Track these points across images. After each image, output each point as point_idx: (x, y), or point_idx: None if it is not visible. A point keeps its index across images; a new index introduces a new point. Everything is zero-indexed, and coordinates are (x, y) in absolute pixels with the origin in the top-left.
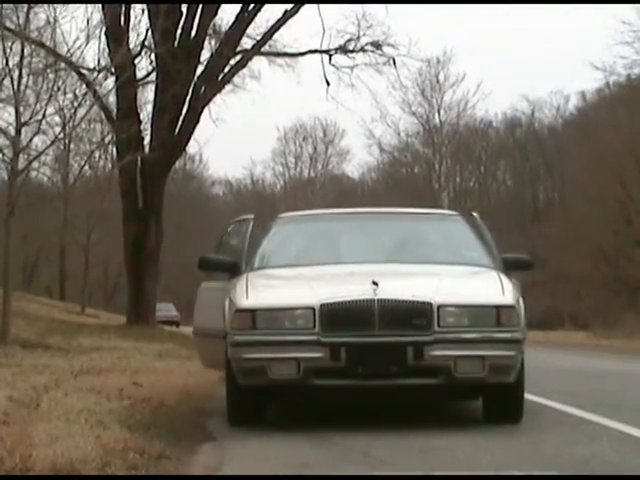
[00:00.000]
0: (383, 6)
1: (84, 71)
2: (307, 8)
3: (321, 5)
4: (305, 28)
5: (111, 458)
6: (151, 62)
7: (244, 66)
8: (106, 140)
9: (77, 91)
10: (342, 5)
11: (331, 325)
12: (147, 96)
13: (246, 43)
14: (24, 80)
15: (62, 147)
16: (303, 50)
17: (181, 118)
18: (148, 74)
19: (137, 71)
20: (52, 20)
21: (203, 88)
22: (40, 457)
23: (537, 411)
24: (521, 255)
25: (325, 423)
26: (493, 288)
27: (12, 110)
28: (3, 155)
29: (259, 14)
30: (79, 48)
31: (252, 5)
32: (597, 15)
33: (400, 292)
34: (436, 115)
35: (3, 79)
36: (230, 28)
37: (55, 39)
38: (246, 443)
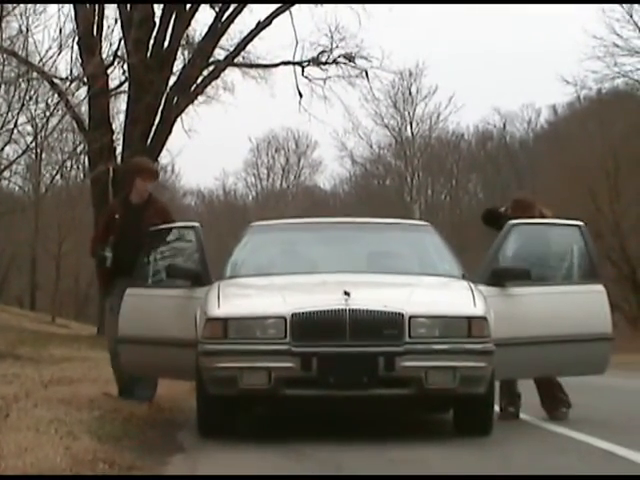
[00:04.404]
0: (356, 18)
1: (56, 81)
2: (280, 20)
3: (295, 16)
4: (278, 40)
5: (81, 469)
6: (124, 72)
7: (217, 77)
8: (78, 150)
9: (49, 101)
10: (315, 16)
11: (302, 335)
12: (119, 106)
13: (219, 54)
14: None
15: (34, 156)
16: (276, 62)
17: (153, 128)
18: (121, 84)
19: (110, 81)
20: (24, 29)
21: (176, 99)
22: (9, 468)
23: (507, 423)
24: (517, 265)
25: (296, 434)
26: (464, 299)
27: None
28: None
29: (232, 25)
30: (51, 58)
31: (225, 16)
32: (568, 29)
33: (372, 302)
34: (408, 127)
35: None
36: (203, 39)
37: (27, 48)
38: (216, 454)
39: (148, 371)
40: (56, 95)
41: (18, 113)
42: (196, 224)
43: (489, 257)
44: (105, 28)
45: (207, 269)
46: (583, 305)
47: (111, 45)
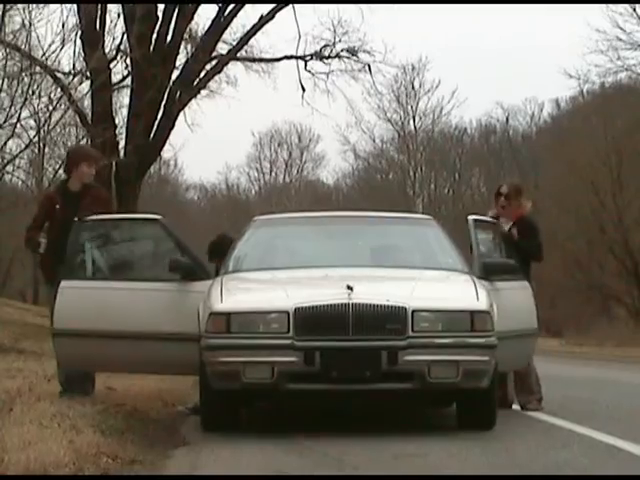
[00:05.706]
0: (359, 13)
1: (59, 75)
2: (283, 14)
3: (297, 10)
4: (281, 34)
5: (84, 463)
6: (126, 66)
7: (220, 71)
8: (81, 144)
9: (52, 95)
10: (318, 10)
11: (305, 329)
12: (122, 100)
13: (222, 48)
14: None
15: (37, 151)
16: (279, 56)
17: (156, 123)
18: (123, 78)
19: (112, 75)
20: (27, 23)
21: (179, 93)
22: (13, 462)
23: (510, 417)
24: (506, 260)
25: (299, 428)
26: (467, 293)
27: None
28: None
29: (235, 19)
30: (54, 52)
31: (228, 10)
32: (571, 23)
33: (374, 296)
34: (411, 122)
35: None
36: (206, 33)
37: (30, 43)
38: (219, 448)
39: (87, 365)
40: (59, 89)
41: (21, 107)
42: (158, 217)
43: (475, 253)
44: (108, 22)
45: (201, 262)
46: (517, 301)
47: (114, 39)
